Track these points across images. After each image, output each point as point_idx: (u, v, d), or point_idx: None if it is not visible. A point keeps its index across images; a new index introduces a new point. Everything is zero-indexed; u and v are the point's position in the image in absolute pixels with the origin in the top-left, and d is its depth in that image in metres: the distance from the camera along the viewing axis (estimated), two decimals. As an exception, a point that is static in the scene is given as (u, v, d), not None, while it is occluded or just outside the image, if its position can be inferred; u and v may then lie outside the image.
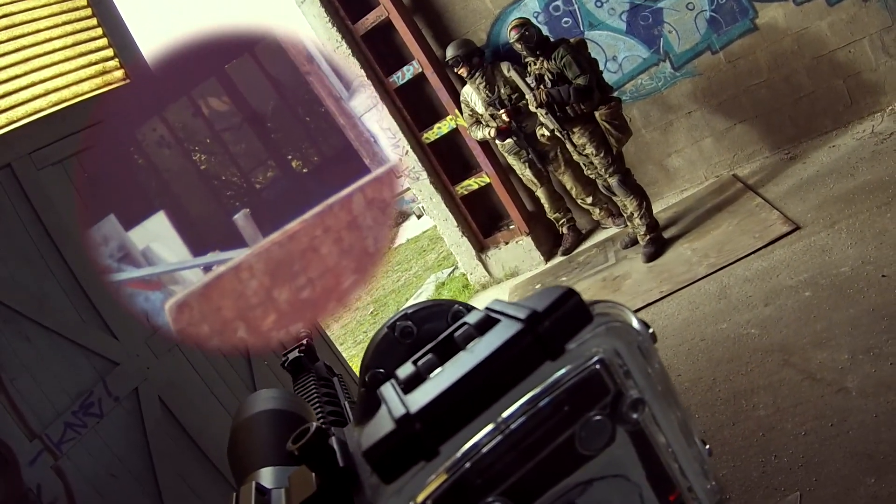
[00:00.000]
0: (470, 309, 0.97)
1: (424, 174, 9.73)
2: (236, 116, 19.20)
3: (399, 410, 0.65)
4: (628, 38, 8.68)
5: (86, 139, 6.13)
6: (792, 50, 8.02)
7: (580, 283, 8.22)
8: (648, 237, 7.73)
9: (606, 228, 9.30)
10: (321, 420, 1.32)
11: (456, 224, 9.82)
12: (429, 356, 0.74)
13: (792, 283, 5.87)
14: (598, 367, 0.68)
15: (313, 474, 0.84)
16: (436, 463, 0.64)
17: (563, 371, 0.67)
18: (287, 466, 1.01)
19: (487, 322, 0.73)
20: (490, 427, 0.65)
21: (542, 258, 9.60)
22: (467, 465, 0.65)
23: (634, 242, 8.09)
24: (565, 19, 8.79)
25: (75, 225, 5.94)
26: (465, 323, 0.76)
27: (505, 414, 0.66)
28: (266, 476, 1.03)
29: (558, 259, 9.45)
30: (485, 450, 0.65)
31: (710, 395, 5.18)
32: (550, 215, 9.44)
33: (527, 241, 9.60)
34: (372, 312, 14.36)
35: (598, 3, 8.61)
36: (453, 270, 12.25)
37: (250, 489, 0.94)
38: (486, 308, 0.77)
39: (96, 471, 5.31)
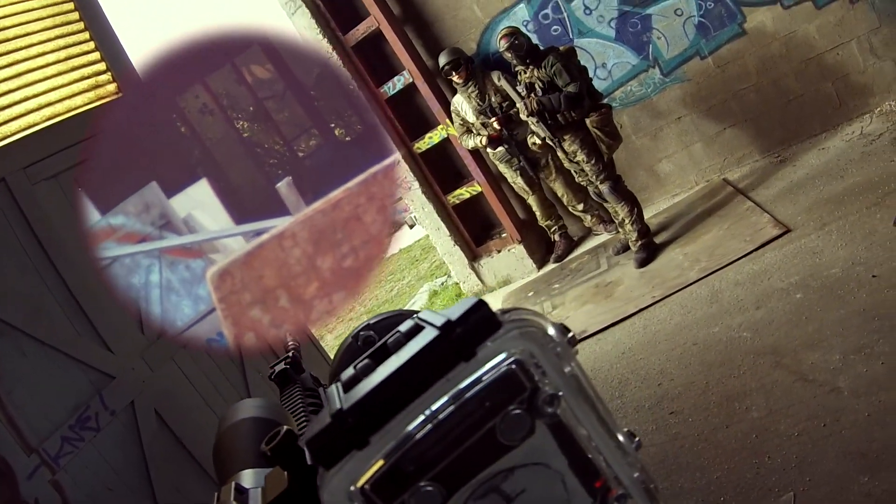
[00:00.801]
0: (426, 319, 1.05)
1: (416, 184, 9.74)
2: (279, 84, 19.21)
3: (335, 406, 0.75)
4: (617, 45, 8.70)
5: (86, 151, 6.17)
6: (780, 54, 8.05)
7: (572, 290, 8.26)
8: (640, 243, 7.74)
9: (598, 235, 9.30)
10: (303, 427, 1.36)
11: (448, 233, 9.83)
12: (366, 361, 0.84)
13: (783, 285, 5.89)
14: (513, 366, 0.77)
15: (285, 473, 0.95)
16: (368, 451, 0.74)
17: (482, 370, 0.76)
18: (265, 468, 1.08)
19: (414, 330, 0.83)
20: (421, 419, 0.75)
21: (534, 266, 9.61)
22: (400, 452, 0.74)
23: (626, 248, 8.10)
24: (554, 27, 8.82)
25: (70, 239, 5.95)
26: (397, 331, 0.85)
27: (433, 406, 0.75)
28: (247, 478, 1.11)
29: (550, 266, 9.46)
30: (416, 437, 0.74)
31: (703, 398, 5.19)
32: (542, 223, 9.45)
33: (519, 249, 9.62)
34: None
35: (587, 11, 8.63)
36: (446, 279, 12.26)
37: (230, 489, 1.03)
38: (416, 317, 0.86)
39: (94, 484, 5.32)
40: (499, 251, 9.77)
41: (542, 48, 7.76)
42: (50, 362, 5.44)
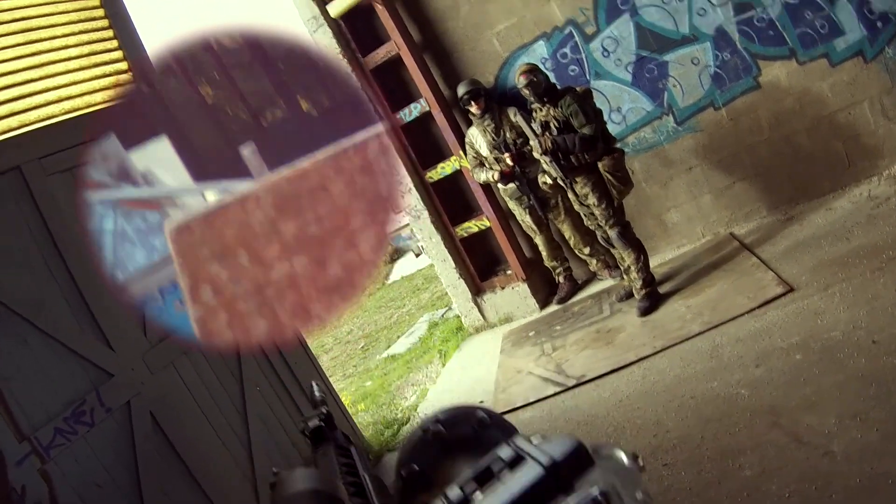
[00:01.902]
0: (492, 415, 1.18)
1: (426, 213, 9.79)
2: (246, 55, 19.26)
3: None
4: (633, 89, 8.77)
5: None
6: (793, 109, 8.12)
7: (573, 334, 8.28)
8: (644, 291, 7.77)
9: (602, 280, 9.35)
10: (350, 493, 1.39)
11: (454, 265, 9.88)
12: (472, 484, 0.91)
13: (783, 345, 5.91)
14: (600, 497, 0.82)
15: None
16: None
17: (572, 500, 0.83)
18: None
19: (516, 460, 0.91)
20: None
21: (537, 305, 9.65)
22: None
23: (630, 296, 8.13)
24: (572, 67, 8.89)
25: (81, 233, 5.99)
26: (499, 457, 0.93)
27: None
28: None
29: (553, 308, 9.48)
30: None
31: (697, 452, 5.21)
32: (548, 263, 9.50)
33: (523, 288, 9.66)
34: (363, 347, 14.38)
35: (605, 54, 8.70)
36: (447, 311, 12.28)
37: None
38: (513, 443, 0.95)
39: (82, 479, 5.33)
40: (503, 288, 9.82)
41: (559, 87, 7.80)
42: (50, 353, 5.46)
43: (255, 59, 19.11)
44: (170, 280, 7.21)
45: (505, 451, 0.93)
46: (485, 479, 0.91)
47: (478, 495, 0.88)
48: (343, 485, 1.42)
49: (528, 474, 0.86)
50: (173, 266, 7.37)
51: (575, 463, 0.86)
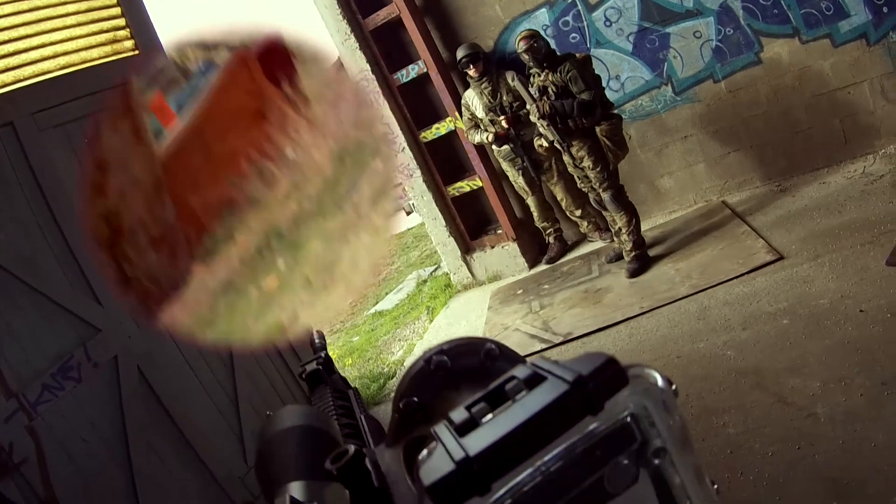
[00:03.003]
0: (501, 347, 1.07)
1: (418, 172, 9.79)
2: None
3: (458, 453, 0.72)
4: (633, 59, 8.77)
5: (96, 104, 6.13)
6: (793, 86, 8.13)
7: (562, 293, 8.34)
8: (634, 253, 7.82)
9: (592, 242, 9.40)
10: (345, 437, 1.35)
11: (444, 224, 9.89)
12: (481, 404, 0.80)
13: (771, 310, 5.96)
14: (629, 420, 0.76)
15: (347, 492, 0.91)
16: (486, 498, 0.71)
17: (598, 423, 0.74)
18: (317, 482, 1.06)
19: (535, 378, 0.79)
20: (531, 469, 0.72)
21: (526, 265, 9.69)
22: (510, 500, 0.71)
23: (619, 257, 8.18)
24: (573, 35, 8.88)
25: (72, 189, 5.94)
26: (514, 377, 0.81)
27: (546, 458, 0.72)
28: (296, 489, 1.07)
29: (542, 267, 9.55)
30: (529, 484, 0.72)
31: (682, 410, 5.24)
32: (538, 224, 9.53)
33: (512, 247, 9.70)
34: (350, 303, 14.36)
35: (608, 23, 8.70)
36: (436, 269, 12.28)
37: (284, 501, 1.00)
38: (534, 364, 0.83)
39: (69, 434, 5.29)
40: (492, 247, 9.84)
41: (559, 54, 7.80)
42: (38, 309, 5.39)
43: None
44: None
45: (522, 371, 0.81)
46: (497, 400, 0.79)
47: (488, 418, 0.76)
48: (338, 426, 1.41)
49: (550, 392, 0.74)
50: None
51: (606, 380, 0.74)
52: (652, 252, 8.05)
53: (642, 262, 7.85)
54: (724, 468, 4.53)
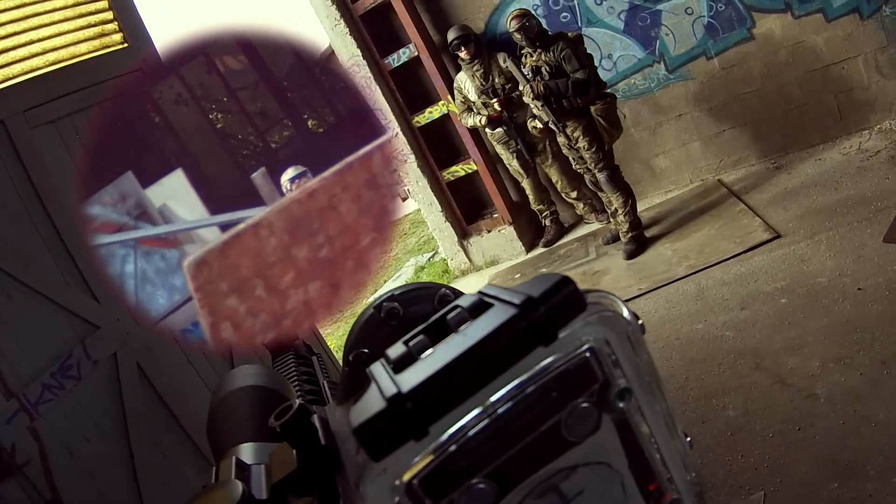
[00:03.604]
0: (457, 293, 0.97)
1: (413, 157, 9.78)
2: (252, 75, 19.23)
3: (390, 389, 0.65)
4: (625, 37, 8.73)
5: (87, 99, 6.12)
6: (786, 62, 8.09)
7: (559, 276, 8.27)
8: (630, 235, 7.82)
9: (589, 223, 9.37)
10: (301, 397, 1.30)
11: (440, 209, 9.87)
12: (420, 337, 0.73)
13: (769, 289, 5.96)
14: (588, 355, 0.68)
15: (294, 451, 0.85)
16: (424, 443, 0.65)
17: (553, 357, 0.67)
18: (267, 443, 1.00)
19: (481, 306, 0.72)
20: (478, 410, 0.65)
21: (523, 248, 9.67)
22: (453, 447, 0.65)
23: (616, 239, 8.18)
24: (564, 14, 8.84)
25: (65, 185, 5.92)
26: (457, 306, 0.74)
27: (493, 398, 0.65)
28: (246, 452, 1.02)
29: (539, 250, 9.54)
30: (471, 433, 0.65)
31: (681, 392, 5.25)
32: (534, 207, 9.49)
33: (509, 231, 9.67)
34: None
35: (598, 1, 8.65)
36: (433, 255, 12.28)
37: (230, 464, 0.92)
38: (480, 292, 0.75)
39: (71, 433, 5.26)
40: (489, 231, 9.82)
41: (550, 33, 7.77)
42: (36, 308, 5.37)
43: (260, 78, 19.09)
44: (190, 320, 7.17)
45: (467, 299, 0.75)
46: (439, 333, 0.72)
47: (428, 352, 0.69)
48: (301, 392, 1.37)
49: (495, 318, 0.67)
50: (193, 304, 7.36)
51: (559, 304, 0.66)
52: (649, 233, 8.05)
53: (639, 244, 7.85)
54: (724, 451, 4.54)
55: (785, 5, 7.90)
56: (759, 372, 5.05)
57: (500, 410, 0.65)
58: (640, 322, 0.72)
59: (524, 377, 0.65)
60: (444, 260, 10.62)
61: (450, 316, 0.73)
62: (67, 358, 5.42)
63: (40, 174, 5.70)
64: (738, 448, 4.50)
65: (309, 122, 20.46)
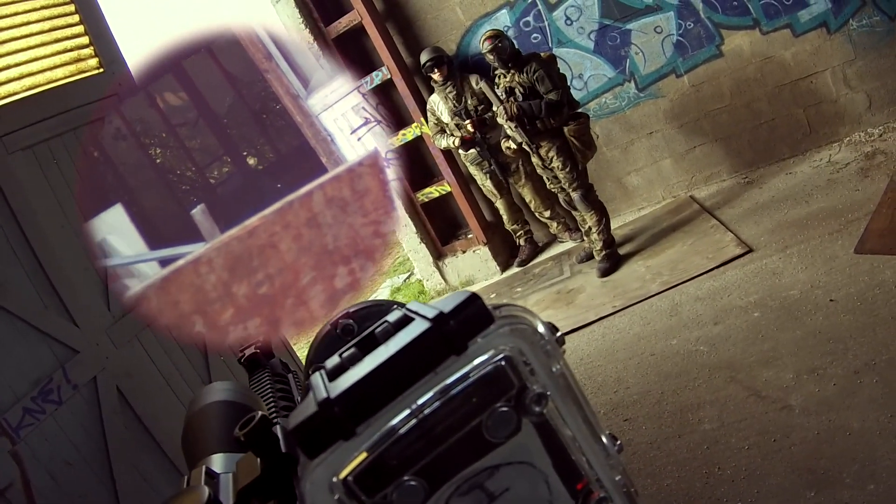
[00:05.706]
0: (409, 309, 0.97)
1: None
2: (192, 112, 19.19)
3: (322, 395, 0.74)
4: (595, 57, 8.78)
5: (64, 124, 6.12)
6: (755, 77, 8.16)
7: (534, 295, 8.33)
8: (604, 253, 7.83)
9: (563, 242, 9.38)
10: (272, 412, 1.37)
11: (415, 230, 9.87)
12: (352, 350, 0.83)
13: (742, 303, 5.99)
14: (503, 363, 0.75)
15: (258, 459, 0.92)
16: (354, 443, 0.73)
17: (472, 365, 0.75)
18: (236, 453, 1.06)
19: (404, 321, 0.81)
20: (406, 412, 0.73)
21: (498, 268, 9.67)
22: (385, 445, 0.73)
23: (590, 257, 8.18)
24: (535, 35, 8.88)
25: (43, 211, 5.91)
26: (385, 321, 0.84)
27: (420, 401, 0.74)
28: (216, 462, 1.09)
29: (514, 270, 9.53)
30: (401, 432, 0.73)
31: (657, 407, 5.27)
32: (508, 226, 9.51)
33: (484, 251, 9.67)
34: (326, 314, 14.34)
35: (568, 21, 8.70)
36: (409, 276, 12.29)
37: (200, 473, 1.01)
38: (405, 308, 0.86)
39: (52, 458, 5.26)
40: (464, 251, 9.82)
41: (523, 54, 7.80)
42: (15, 333, 5.37)
43: (200, 114, 19.08)
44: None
45: (394, 315, 0.84)
46: (368, 345, 0.82)
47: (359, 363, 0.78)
48: (277, 408, 1.40)
49: (412, 331, 0.76)
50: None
51: (467, 318, 0.75)
52: (622, 250, 8.07)
53: (613, 261, 7.86)
54: (701, 464, 4.57)
55: (753, 22, 7.98)
56: (734, 385, 5.08)
57: (427, 412, 0.74)
58: (558, 334, 0.81)
59: (445, 383, 0.74)
60: (420, 281, 10.61)
61: (378, 330, 0.83)
62: (48, 382, 5.43)
63: (18, 199, 5.70)
64: (715, 460, 4.52)
65: (249, 160, 20.53)
